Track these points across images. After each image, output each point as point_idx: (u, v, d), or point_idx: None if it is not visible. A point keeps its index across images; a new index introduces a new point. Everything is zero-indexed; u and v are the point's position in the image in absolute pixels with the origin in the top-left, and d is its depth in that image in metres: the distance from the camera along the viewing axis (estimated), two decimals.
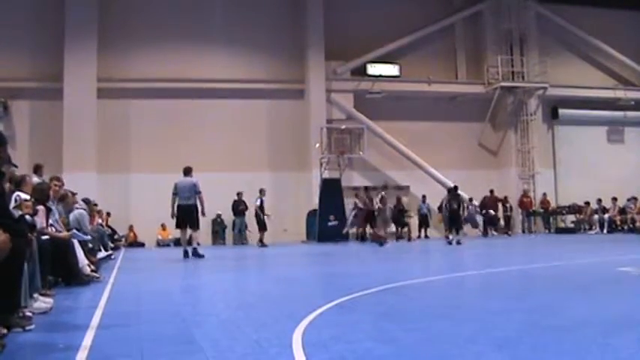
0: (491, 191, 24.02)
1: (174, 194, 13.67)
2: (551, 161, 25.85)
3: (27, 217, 5.88)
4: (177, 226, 14.00)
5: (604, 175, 24.66)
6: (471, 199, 22.65)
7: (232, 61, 22.96)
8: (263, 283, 8.87)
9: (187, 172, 13.88)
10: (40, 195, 7.45)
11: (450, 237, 17.84)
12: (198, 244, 16.17)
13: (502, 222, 24.60)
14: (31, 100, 21.25)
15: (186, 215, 13.64)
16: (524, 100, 25.28)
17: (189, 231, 13.91)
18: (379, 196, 20.12)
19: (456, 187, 18.74)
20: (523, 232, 24.58)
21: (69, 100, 20.71)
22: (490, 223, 23.39)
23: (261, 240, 19.16)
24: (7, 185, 5.56)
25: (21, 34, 21.03)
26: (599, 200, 23.18)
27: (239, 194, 21.28)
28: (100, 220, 15.79)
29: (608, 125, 26.73)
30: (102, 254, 12.26)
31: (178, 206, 13.65)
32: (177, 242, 20.02)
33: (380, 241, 18.27)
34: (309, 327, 4.41)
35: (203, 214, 13.81)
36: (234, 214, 21.58)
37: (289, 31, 23.40)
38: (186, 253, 13.70)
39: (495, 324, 4.61)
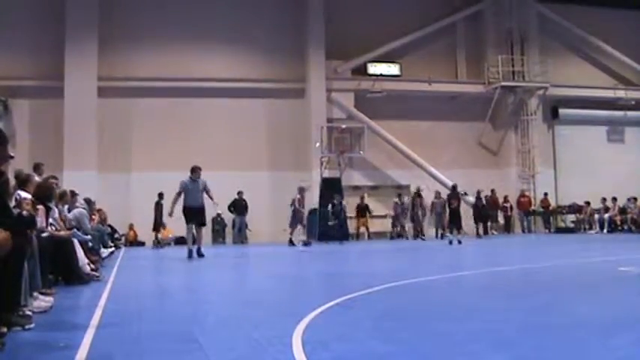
0: (492, 191, 24.02)
1: None
2: (552, 161, 25.83)
3: (25, 213, 5.86)
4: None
5: (604, 174, 24.63)
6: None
7: (233, 60, 22.95)
8: (263, 282, 8.87)
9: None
10: (44, 193, 7.43)
11: (450, 236, 17.78)
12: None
13: (502, 221, 24.66)
14: (32, 98, 21.22)
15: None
16: (525, 100, 25.25)
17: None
18: (297, 196, 18.84)
19: (454, 186, 18.67)
20: (523, 231, 24.59)
21: (69, 99, 20.70)
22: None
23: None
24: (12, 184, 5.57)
25: (21, 33, 21.00)
26: (604, 199, 23.13)
27: (239, 193, 21.31)
28: (100, 219, 15.78)
29: (609, 125, 26.71)
30: (105, 252, 12.26)
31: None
32: (177, 241, 20.05)
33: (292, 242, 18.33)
34: (309, 326, 4.41)
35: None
36: (235, 212, 21.59)
37: (290, 30, 23.38)
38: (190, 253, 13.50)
39: (496, 323, 4.61)
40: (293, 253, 16.03)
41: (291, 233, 18.55)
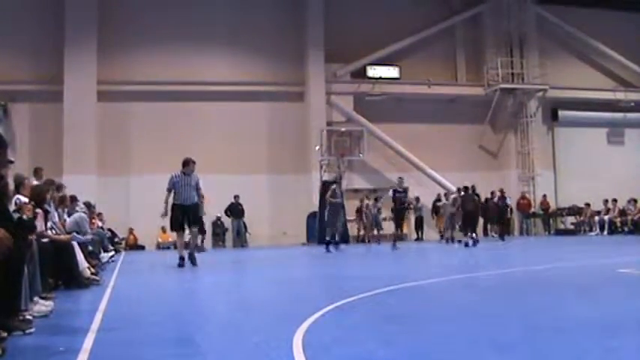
0: (492, 193, 23.95)
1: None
2: (551, 163, 25.82)
3: (25, 217, 5.85)
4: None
5: (604, 176, 24.61)
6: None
7: (232, 63, 22.95)
8: (263, 286, 8.85)
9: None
10: (37, 197, 7.42)
11: (465, 238, 17.52)
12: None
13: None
14: (31, 102, 21.23)
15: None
16: (524, 102, 25.27)
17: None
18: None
19: (473, 188, 18.51)
20: (521, 234, 24.57)
21: (69, 103, 20.70)
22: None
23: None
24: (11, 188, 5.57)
25: (21, 37, 21.01)
26: (606, 201, 23.09)
27: (236, 197, 21.29)
28: (100, 223, 15.77)
29: (608, 127, 26.70)
30: (105, 256, 12.22)
31: None
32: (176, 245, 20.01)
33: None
34: (310, 329, 4.40)
35: None
36: (232, 216, 21.57)
37: (289, 34, 23.40)
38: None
39: (496, 325, 4.61)
40: (293, 256, 15.97)
41: (328, 235, 16.49)
